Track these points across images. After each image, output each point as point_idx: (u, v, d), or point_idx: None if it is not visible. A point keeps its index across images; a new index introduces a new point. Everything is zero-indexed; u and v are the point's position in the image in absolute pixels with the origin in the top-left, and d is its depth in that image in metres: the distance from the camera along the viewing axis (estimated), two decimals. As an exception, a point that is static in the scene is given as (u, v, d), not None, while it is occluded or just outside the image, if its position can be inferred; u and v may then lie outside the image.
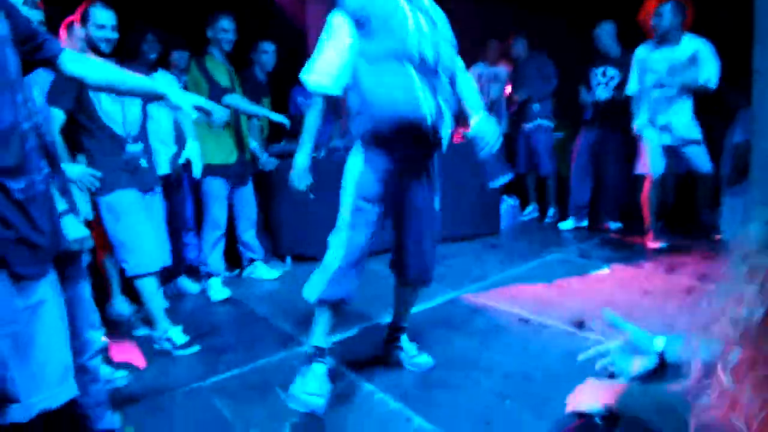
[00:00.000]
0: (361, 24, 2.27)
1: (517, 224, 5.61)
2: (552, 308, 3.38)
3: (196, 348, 3.13)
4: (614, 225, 5.21)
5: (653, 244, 4.53)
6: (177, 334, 3.13)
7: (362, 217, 2.52)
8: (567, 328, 3.10)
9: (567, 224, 5.37)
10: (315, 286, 2.62)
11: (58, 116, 2.83)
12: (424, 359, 2.84)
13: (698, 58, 4.25)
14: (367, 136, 2.41)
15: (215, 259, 4.05)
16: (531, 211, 5.90)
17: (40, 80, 2.81)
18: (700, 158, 4.45)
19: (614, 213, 5.25)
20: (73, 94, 2.83)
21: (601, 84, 5.07)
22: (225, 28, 3.91)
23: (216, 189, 4.00)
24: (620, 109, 4.90)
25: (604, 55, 5.08)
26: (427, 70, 2.32)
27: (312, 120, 2.54)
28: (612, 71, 5.01)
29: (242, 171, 4.12)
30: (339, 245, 2.58)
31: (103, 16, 2.89)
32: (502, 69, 5.93)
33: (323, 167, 4.66)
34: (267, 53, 4.52)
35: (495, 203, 5.33)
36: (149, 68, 3.78)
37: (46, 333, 1.60)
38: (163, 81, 3.77)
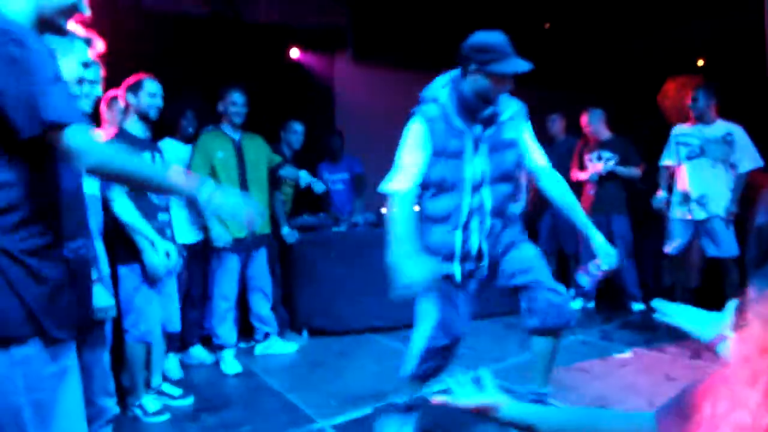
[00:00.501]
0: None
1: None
2: (572, 392, 3.30)
3: (167, 416, 3.12)
4: (636, 306, 5.12)
5: None
6: (150, 402, 3.13)
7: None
8: (588, 413, 3.00)
9: (575, 305, 5.31)
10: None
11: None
12: None
13: (734, 141, 4.45)
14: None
15: (225, 330, 4.02)
16: (552, 291, 5.83)
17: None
18: (725, 237, 4.45)
19: (636, 294, 5.16)
20: None
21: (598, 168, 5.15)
22: (234, 102, 4.02)
23: (226, 263, 4.01)
24: (620, 189, 5.11)
25: (596, 139, 5.19)
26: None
27: (401, 223, 2.50)
28: (607, 154, 5.09)
29: (255, 245, 4.13)
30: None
31: (155, 87, 3.15)
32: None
33: (344, 241, 4.73)
34: (296, 133, 4.69)
35: (515, 282, 5.28)
36: (186, 142, 3.93)
37: (68, 401, 1.60)
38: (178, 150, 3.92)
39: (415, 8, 6.58)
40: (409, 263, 2.33)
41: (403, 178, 2.47)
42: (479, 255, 2.64)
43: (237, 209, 1.78)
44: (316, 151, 5.75)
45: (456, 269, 2.63)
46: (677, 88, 7.12)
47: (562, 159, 5.65)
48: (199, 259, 4.06)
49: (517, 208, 2.76)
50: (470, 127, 2.47)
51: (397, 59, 7.25)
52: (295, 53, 6.92)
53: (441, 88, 2.54)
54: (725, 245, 4.48)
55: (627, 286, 5.18)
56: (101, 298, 1.91)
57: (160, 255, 2.99)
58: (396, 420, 2.77)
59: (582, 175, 5.27)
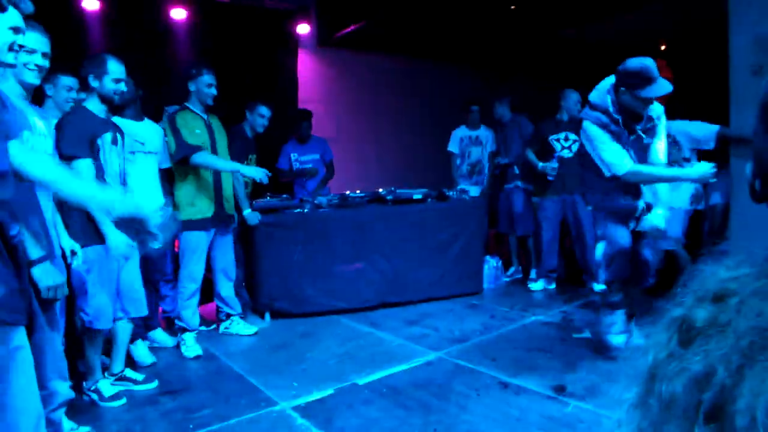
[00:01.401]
0: None
1: (500, 285, 5.59)
2: (532, 372, 3.34)
3: (123, 401, 3.08)
4: (597, 287, 5.20)
5: None
6: (105, 386, 3.08)
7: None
8: (547, 392, 3.05)
9: (537, 285, 5.40)
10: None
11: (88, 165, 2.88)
12: None
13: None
14: None
15: (189, 313, 3.98)
16: (513, 272, 5.90)
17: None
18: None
19: (596, 275, 5.25)
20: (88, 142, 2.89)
21: (565, 148, 5.19)
22: (208, 83, 3.95)
23: (193, 243, 3.96)
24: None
25: (561, 122, 5.24)
26: None
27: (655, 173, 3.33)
28: (573, 135, 5.15)
29: (220, 224, 4.09)
30: None
31: (119, 70, 3.03)
32: (483, 132, 6.07)
33: (307, 223, 4.68)
34: (263, 117, 4.57)
35: (478, 263, 5.33)
36: (138, 114, 3.81)
37: (22, 380, 1.55)
38: (150, 130, 3.81)
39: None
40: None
41: (624, 160, 3.21)
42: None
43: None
44: (279, 133, 5.69)
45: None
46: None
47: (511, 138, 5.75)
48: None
49: None
50: (623, 132, 3.26)
51: (361, 42, 7.20)
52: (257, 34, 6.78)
53: (606, 95, 3.25)
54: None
55: (589, 266, 5.27)
56: (50, 275, 1.84)
57: (122, 237, 2.92)
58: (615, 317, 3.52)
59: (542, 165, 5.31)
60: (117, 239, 2.91)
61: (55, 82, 3.24)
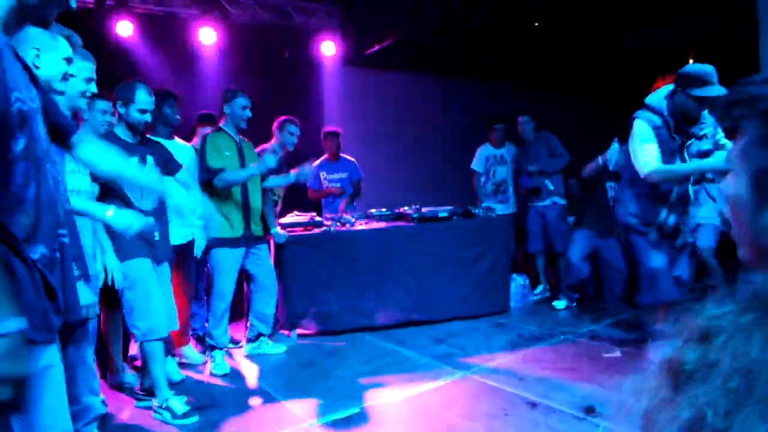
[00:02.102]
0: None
1: (527, 304, 5.54)
2: (561, 392, 3.29)
3: (195, 418, 3.08)
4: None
5: None
6: (177, 404, 3.08)
7: None
8: (576, 413, 3.00)
9: (560, 304, 5.35)
10: None
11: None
12: None
13: None
14: None
15: (220, 332, 4.02)
16: (542, 290, 5.85)
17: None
18: None
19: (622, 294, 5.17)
20: None
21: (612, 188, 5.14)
22: (243, 105, 4.03)
23: (223, 260, 4.01)
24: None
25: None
26: None
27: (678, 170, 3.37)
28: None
29: (250, 243, 4.13)
30: None
31: (147, 99, 3.11)
32: (508, 150, 6.06)
33: (334, 241, 4.71)
34: (293, 135, 4.58)
35: (505, 282, 5.30)
36: (170, 132, 3.90)
37: (51, 398, 1.58)
38: (179, 149, 3.90)
39: (403, 10, 6.58)
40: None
41: (653, 160, 3.30)
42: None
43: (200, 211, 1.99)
44: (307, 151, 5.76)
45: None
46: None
47: (537, 155, 5.70)
48: (188, 259, 4.03)
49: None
50: (676, 137, 3.35)
51: (385, 61, 7.27)
52: (285, 53, 6.92)
53: (663, 100, 3.33)
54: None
55: (612, 286, 5.21)
56: (83, 295, 1.88)
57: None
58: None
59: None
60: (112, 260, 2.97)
61: (90, 106, 3.33)
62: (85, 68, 2.42)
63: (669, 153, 3.36)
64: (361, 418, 3.09)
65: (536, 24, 7.26)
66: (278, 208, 4.77)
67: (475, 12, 6.42)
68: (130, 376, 3.60)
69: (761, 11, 4.34)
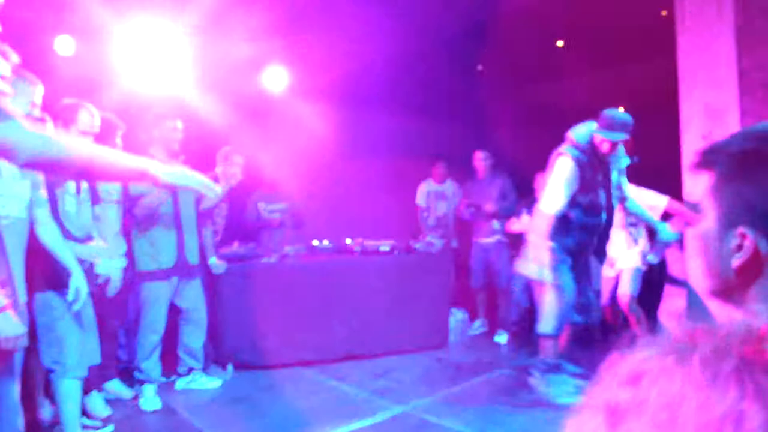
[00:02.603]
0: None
1: (465, 339, 5.60)
2: (498, 426, 3.32)
3: None
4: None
5: None
6: None
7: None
8: (513, 447, 3.03)
9: (502, 338, 5.44)
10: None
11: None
12: None
13: None
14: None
15: (150, 365, 3.86)
16: (479, 326, 5.91)
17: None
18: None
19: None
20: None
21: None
22: (173, 128, 3.94)
23: (153, 293, 3.88)
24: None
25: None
26: None
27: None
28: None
29: (183, 273, 4.01)
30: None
31: (89, 123, 3.03)
32: (449, 186, 6.18)
33: (273, 273, 4.65)
34: (237, 166, 4.40)
35: (444, 316, 5.34)
36: None
37: None
38: None
39: (352, 46, 6.69)
40: None
41: (557, 202, 3.64)
42: None
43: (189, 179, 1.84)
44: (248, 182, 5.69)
45: None
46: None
47: (489, 192, 5.82)
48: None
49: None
50: (591, 169, 3.69)
51: (331, 94, 7.33)
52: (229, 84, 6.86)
53: (587, 135, 3.70)
54: None
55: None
56: (10, 326, 1.78)
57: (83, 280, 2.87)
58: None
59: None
60: (81, 282, 2.86)
61: None
62: (28, 92, 2.33)
63: (589, 188, 3.70)
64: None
65: (478, 68, 7.53)
66: (218, 238, 4.67)
67: (424, 52, 6.61)
68: (48, 411, 3.37)
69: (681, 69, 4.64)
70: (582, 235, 3.77)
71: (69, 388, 2.91)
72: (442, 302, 5.29)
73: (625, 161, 3.90)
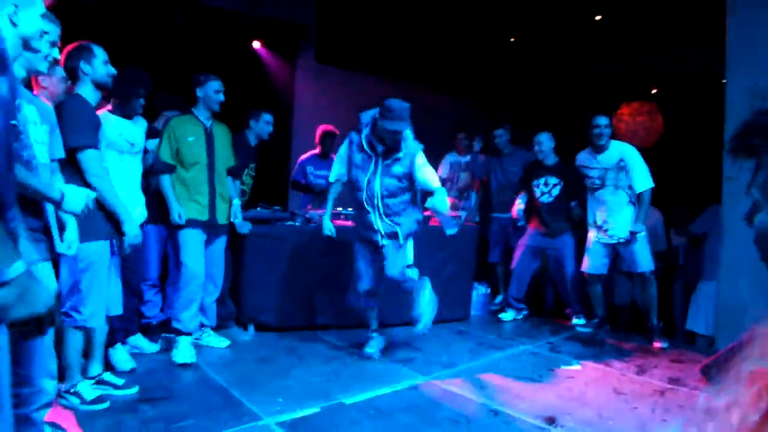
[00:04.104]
0: None
1: (486, 313, 5.56)
2: (522, 401, 3.29)
3: (106, 404, 2.98)
4: (577, 321, 5.20)
5: (657, 344, 4.59)
6: (86, 389, 2.98)
7: None
8: (537, 423, 3.00)
9: (507, 315, 5.39)
10: None
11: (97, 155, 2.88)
12: None
13: (626, 166, 4.66)
14: None
15: (188, 315, 3.84)
16: (501, 301, 5.87)
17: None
18: (637, 256, 4.66)
19: (579, 309, 5.23)
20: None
21: (545, 193, 5.20)
22: (216, 89, 3.95)
23: (191, 240, 3.87)
24: (564, 213, 5.16)
25: (543, 166, 5.22)
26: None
27: None
28: (553, 180, 5.18)
29: (212, 231, 4.02)
30: None
31: (104, 54, 2.99)
32: (472, 158, 6.10)
33: (297, 237, 4.62)
34: (269, 124, 4.62)
35: (467, 289, 5.30)
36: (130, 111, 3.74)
37: None
38: (141, 130, 3.77)
39: (379, 14, 6.56)
40: None
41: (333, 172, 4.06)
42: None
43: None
44: (275, 144, 5.66)
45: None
46: (631, 113, 7.35)
47: (510, 168, 5.73)
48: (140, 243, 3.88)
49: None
50: (371, 154, 3.83)
51: (358, 62, 7.23)
52: (255, 45, 6.79)
53: (371, 119, 3.84)
54: (638, 262, 4.68)
55: (570, 301, 5.27)
56: (47, 279, 1.76)
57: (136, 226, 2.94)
58: None
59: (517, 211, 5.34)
60: (133, 229, 2.95)
61: (51, 72, 3.16)
62: (53, 31, 2.27)
63: (361, 167, 3.86)
64: (319, 418, 3.01)
65: (511, 39, 7.35)
66: (245, 198, 4.65)
67: (449, 24, 6.46)
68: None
69: (730, 45, 4.48)
70: None
71: (72, 337, 2.94)
72: (466, 275, 5.24)
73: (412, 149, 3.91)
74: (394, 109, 3.68)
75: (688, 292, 5.58)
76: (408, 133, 3.87)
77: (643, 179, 4.61)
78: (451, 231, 4.24)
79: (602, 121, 4.74)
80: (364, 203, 3.89)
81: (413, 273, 3.95)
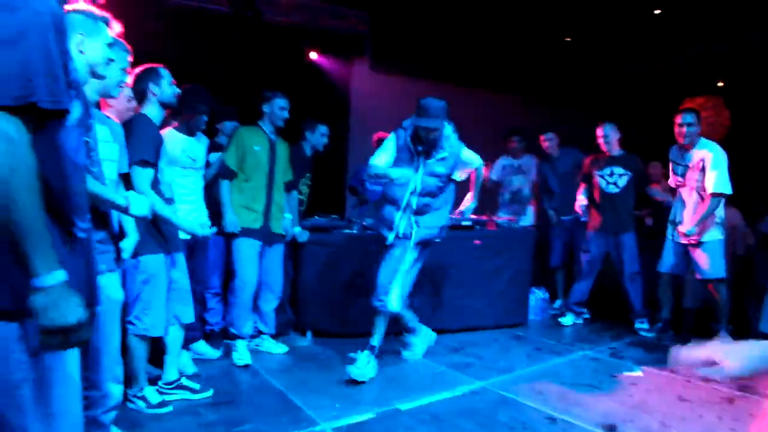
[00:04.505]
0: None
1: (546, 318, 5.46)
2: (581, 408, 3.22)
3: (169, 408, 3.10)
4: (640, 325, 5.03)
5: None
6: (152, 394, 3.09)
7: None
8: (597, 430, 2.93)
9: (567, 320, 5.27)
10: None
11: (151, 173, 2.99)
12: None
13: (704, 167, 4.47)
14: None
15: (242, 321, 4.02)
16: (561, 305, 5.76)
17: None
18: (707, 260, 4.49)
19: (642, 312, 5.06)
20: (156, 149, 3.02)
21: (611, 184, 5.06)
22: (281, 106, 4.14)
23: (245, 249, 4.02)
24: (630, 207, 5.08)
25: (608, 157, 5.10)
26: None
27: None
28: (619, 170, 5.03)
29: (267, 239, 4.13)
30: None
31: (170, 76, 3.16)
32: (526, 161, 6.00)
33: (354, 244, 4.68)
34: (324, 136, 4.76)
35: (524, 294, 5.22)
36: (190, 135, 3.91)
37: (65, 382, 1.55)
38: (202, 146, 3.96)
39: (433, 20, 6.57)
40: None
41: (380, 161, 3.82)
42: None
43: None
44: (331, 154, 5.76)
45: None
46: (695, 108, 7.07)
47: (564, 171, 5.65)
48: (203, 250, 4.02)
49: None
50: (407, 150, 3.82)
51: (413, 69, 7.25)
52: (313, 56, 6.92)
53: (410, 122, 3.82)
54: (708, 268, 4.51)
55: (634, 304, 5.10)
56: (114, 289, 1.86)
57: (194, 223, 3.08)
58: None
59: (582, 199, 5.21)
60: (190, 224, 3.07)
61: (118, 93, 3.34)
62: (122, 58, 2.42)
63: (406, 162, 3.81)
64: (376, 423, 3.04)
65: (566, 39, 7.21)
66: (302, 208, 4.76)
67: (503, 26, 6.39)
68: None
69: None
70: None
71: (136, 345, 3.06)
72: (522, 280, 5.17)
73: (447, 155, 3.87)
74: (429, 107, 3.71)
75: (760, 293, 5.31)
76: (449, 132, 3.87)
77: (714, 182, 4.40)
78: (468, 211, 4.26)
79: (686, 119, 4.56)
80: (397, 199, 3.86)
81: (395, 298, 3.84)
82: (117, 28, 2.05)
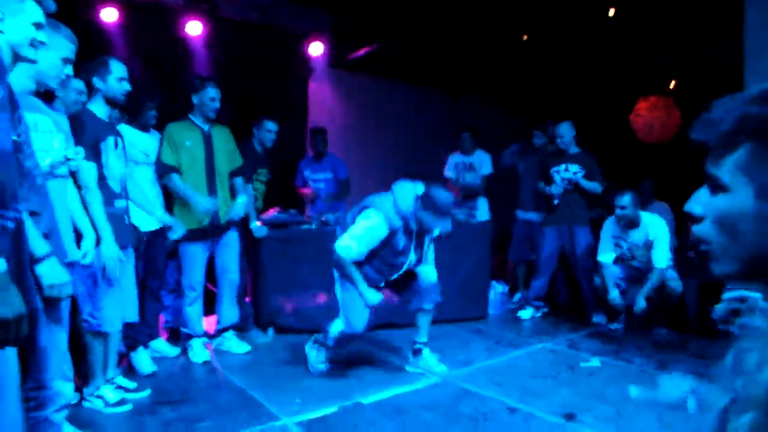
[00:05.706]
0: None
1: (505, 311, 5.53)
2: (540, 398, 3.27)
3: (128, 407, 3.04)
4: (597, 318, 5.14)
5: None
6: (109, 392, 3.03)
7: None
8: (556, 419, 2.98)
9: (526, 314, 5.34)
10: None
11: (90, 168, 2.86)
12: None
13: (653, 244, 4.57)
14: None
15: (192, 320, 3.99)
16: (520, 299, 5.84)
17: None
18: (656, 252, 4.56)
19: (597, 306, 5.16)
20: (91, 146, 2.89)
21: (565, 180, 5.16)
22: (211, 97, 3.97)
23: (189, 253, 3.96)
24: (583, 202, 5.16)
25: (564, 153, 5.20)
26: None
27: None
28: (574, 167, 5.13)
29: (217, 232, 4.04)
30: None
31: (122, 70, 3.05)
32: (477, 157, 6.03)
33: (313, 239, 4.64)
34: (270, 132, 4.67)
35: (484, 288, 5.28)
36: (143, 130, 3.85)
37: (6, 383, 1.48)
38: (155, 141, 3.91)
39: (392, 19, 6.56)
40: None
41: (351, 248, 3.49)
42: None
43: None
44: (290, 149, 5.73)
45: None
46: (648, 108, 7.26)
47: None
48: (159, 247, 3.91)
49: None
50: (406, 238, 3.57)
51: (371, 67, 7.25)
52: (272, 55, 6.84)
53: (412, 203, 3.50)
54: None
55: (588, 299, 5.20)
56: (56, 273, 1.78)
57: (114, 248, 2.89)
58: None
59: (548, 189, 5.27)
60: (110, 251, 2.88)
61: (65, 84, 3.22)
62: (64, 48, 2.31)
63: (402, 249, 3.58)
64: (338, 418, 3.02)
65: (524, 37, 7.29)
66: (259, 203, 4.70)
67: (462, 26, 6.42)
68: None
69: (748, 34, 4.41)
70: None
71: (92, 342, 3.00)
72: (482, 274, 5.22)
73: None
74: (442, 205, 3.44)
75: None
76: None
77: (663, 257, 4.51)
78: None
79: (621, 201, 4.57)
80: (390, 268, 3.69)
81: (336, 327, 3.69)
82: (52, 6, 1.92)
